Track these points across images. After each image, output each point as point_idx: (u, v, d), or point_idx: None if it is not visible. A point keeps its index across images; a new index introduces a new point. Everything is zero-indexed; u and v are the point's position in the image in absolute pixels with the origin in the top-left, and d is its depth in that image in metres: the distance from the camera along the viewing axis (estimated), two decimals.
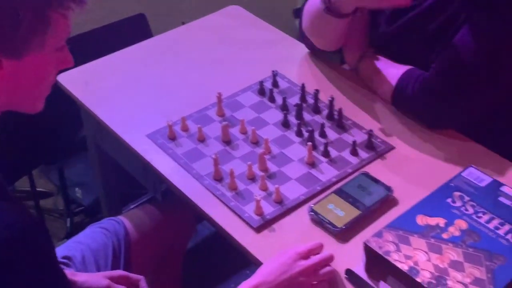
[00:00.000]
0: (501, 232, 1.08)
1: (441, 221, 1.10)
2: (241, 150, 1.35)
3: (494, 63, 1.29)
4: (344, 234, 1.16)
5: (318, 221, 1.18)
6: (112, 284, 1.24)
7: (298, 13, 2.83)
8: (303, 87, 1.47)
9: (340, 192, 1.23)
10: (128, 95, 1.51)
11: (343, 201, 1.21)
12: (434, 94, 1.33)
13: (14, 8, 0.87)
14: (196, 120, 1.42)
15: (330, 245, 1.14)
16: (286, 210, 1.22)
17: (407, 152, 1.34)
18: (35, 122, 1.48)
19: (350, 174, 1.28)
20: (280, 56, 1.61)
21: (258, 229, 1.19)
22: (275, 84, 1.51)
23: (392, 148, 1.34)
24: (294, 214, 1.22)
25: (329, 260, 1.09)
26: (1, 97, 0.94)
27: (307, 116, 1.43)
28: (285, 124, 1.40)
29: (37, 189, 2.10)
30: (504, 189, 1.16)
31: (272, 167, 1.30)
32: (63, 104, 1.53)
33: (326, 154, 1.32)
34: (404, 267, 1.02)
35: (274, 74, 1.51)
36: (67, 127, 1.92)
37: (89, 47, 1.78)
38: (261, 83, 1.49)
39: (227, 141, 1.37)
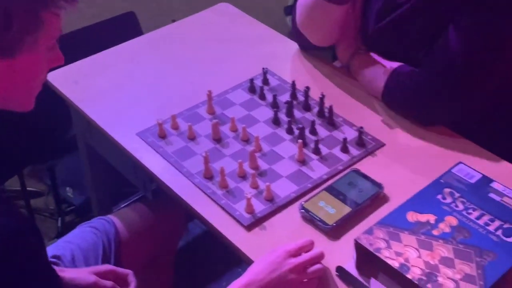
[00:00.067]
0: (491, 228, 1.08)
1: (431, 218, 1.10)
2: (231, 148, 1.34)
3: (482, 61, 1.29)
4: (335, 231, 1.16)
5: (309, 218, 1.18)
6: (99, 280, 1.23)
7: (289, 10, 2.83)
8: (293, 84, 1.46)
9: (330, 190, 1.22)
10: (118, 93, 1.50)
11: (333, 199, 1.21)
12: (425, 93, 1.34)
13: (7, 8, 0.87)
14: (186, 118, 1.41)
15: (321, 243, 1.14)
16: (277, 208, 1.21)
17: (397, 149, 1.34)
18: (25, 122, 1.47)
19: (340, 171, 1.28)
20: (270, 53, 1.61)
21: (249, 227, 1.18)
22: (265, 81, 1.51)
23: (383, 145, 1.34)
24: (285, 212, 1.21)
25: (319, 257, 1.09)
26: None
27: (297, 113, 1.42)
28: (276, 122, 1.40)
29: (28, 188, 2.09)
30: (494, 185, 1.17)
31: (262, 164, 1.30)
32: (54, 104, 1.52)
33: (316, 151, 1.32)
34: (394, 264, 1.02)
35: (265, 72, 1.51)
36: (57, 126, 1.91)
37: (79, 45, 1.77)
38: (251, 80, 1.49)
39: (218, 139, 1.36)
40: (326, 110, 1.40)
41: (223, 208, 1.22)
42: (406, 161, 1.31)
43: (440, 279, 1.00)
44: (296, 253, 1.08)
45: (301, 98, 1.45)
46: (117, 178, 1.61)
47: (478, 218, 1.10)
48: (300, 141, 1.30)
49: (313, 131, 1.37)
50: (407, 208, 1.12)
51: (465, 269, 1.01)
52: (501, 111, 1.39)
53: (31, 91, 0.99)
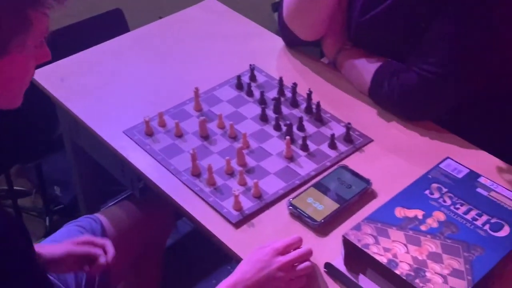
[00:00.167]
0: (478, 223, 1.08)
1: (419, 213, 1.10)
2: (219, 145, 1.34)
3: (468, 58, 1.29)
4: (323, 227, 1.16)
5: (297, 215, 1.18)
6: (77, 248, 1.23)
7: (276, 7, 2.82)
8: (281, 80, 1.46)
9: (319, 186, 1.22)
10: (104, 91, 1.49)
11: (322, 195, 1.20)
12: (411, 89, 1.33)
13: None
14: (173, 116, 1.40)
15: (309, 239, 1.14)
16: (265, 204, 1.21)
17: (385, 145, 1.34)
18: (11, 121, 1.45)
19: (328, 167, 1.28)
20: (257, 50, 1.61)
21: (237, 225, 1.18)
22: (252, 78, 1.50)
23: (371, 140, 1.34)
24: (273, 209, 1.21)
25: (307, 255, 1.09)
26: None
27: (285, 110, 1.42)
28: (263, 118, 1.39)
29: (15, 187, 2.07)
30: (481, 180, 1.17)
31: (250, 161, 1.30)
32: (41, 102, 1.51)
33: (304, 147, 1.32)
34: (383, 259, 1.02)
35: (252, 68, 1.50)
36: (44, 124, 1.90)
37: (65, 42, 1.75)
38: (238, 77, 1.48)
39: (205, 136, 1.35)
40: (313, 106, 1.40)
41: (211, 206, 1.21)
42: (394, 157, 1.31)
43: (428, 274, 1.00)
44: (284, 251, 1.07)
45: (288, 94, 1.45)
46: (104, 176, 1.60)
47: (466, 213, 1.10)
48: (287, 137, 1.30)
49: (301, 128, 1.36)
50: (395, 203, 1.12)
51: (453, 264, 1.01)
52: (488, 107, 1.39)
53: (19, 89, 0.99)
